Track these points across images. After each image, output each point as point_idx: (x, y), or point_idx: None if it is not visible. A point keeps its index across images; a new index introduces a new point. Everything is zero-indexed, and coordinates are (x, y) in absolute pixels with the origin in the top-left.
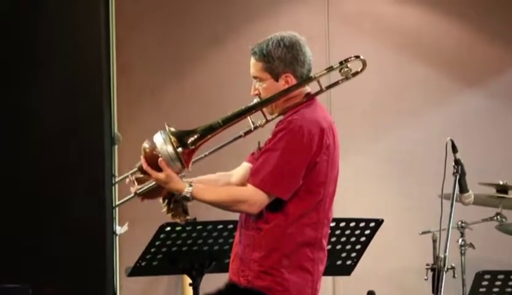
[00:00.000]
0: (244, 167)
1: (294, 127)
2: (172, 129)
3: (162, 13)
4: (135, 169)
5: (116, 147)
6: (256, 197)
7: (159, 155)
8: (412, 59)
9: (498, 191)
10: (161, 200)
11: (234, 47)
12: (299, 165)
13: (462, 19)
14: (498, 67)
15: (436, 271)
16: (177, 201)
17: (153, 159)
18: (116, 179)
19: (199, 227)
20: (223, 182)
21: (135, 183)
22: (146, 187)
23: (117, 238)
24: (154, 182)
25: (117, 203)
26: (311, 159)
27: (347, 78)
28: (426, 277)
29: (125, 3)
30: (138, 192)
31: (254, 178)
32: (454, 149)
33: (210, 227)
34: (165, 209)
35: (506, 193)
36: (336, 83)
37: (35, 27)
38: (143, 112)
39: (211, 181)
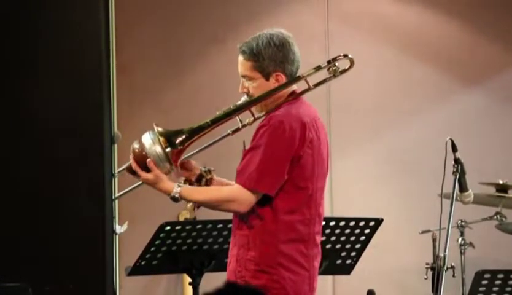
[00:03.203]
0: None
1: (275, 123)
2: (160, 129)
3: (162, 12)
4: (123, 167)
5: (116, 146)
6: (244, 196)
7: (148, 155)
8: (412, 59)
9: (497, 190)
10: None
11: (234, 47)
12: (283, 159)
13: (462, 19)
14: (498, 67)
15: (436, 271)
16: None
17: (141, 160)
18: (117, 195)
19: (198, 226)
20: None
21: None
22: (124, 191)
23: (117, 237)
24: (132, 186)
25: (117, 195)
26: (294, 153)
27: (334, 76)
28: (426, 276)
29: (125, 3)
30: (116, 196)
31: (240, 177)
32: (454, 148)
33: (210, 226)
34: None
35: (506, 192)
36: (323, 81)
37: (35, 27)
38: (143, 111)
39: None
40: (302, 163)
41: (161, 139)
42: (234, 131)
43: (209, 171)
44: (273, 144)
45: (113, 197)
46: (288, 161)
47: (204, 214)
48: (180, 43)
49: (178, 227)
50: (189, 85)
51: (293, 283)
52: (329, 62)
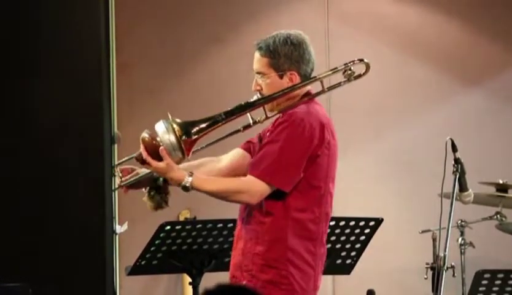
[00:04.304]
0: (234, 152)
1: (295, 120)
2: (177, 119)
3: (162, 12)
4: (129, 157)
5: (116, 146)
6: (256, 188)
7: (161, 144)
8: (412, 59)
9: (498, 190)
10: (143, 189)
11: (235, 46)
12: (300, 156)
13: (462, 19)
14: (498, 67)
15: (436, 270)
16: (158, 192)
17: (152, 148)
18: (122, 182)
19: (198, 226)
20: (210, 167)
21: (121, 174)
22: (131, 179)
23: (117, 237)
24: (139, 175)
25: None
26: (312, 152)
27: (349, 80)
28: (426, 276)
29: (125, 3)
30: (122, 183)
31: (255, 169)
32: (454, 148)
33: (210, 225)
34: (146, 199)
35: (506, 192)
36: (338, 85)
37: (35, 27)
38: (143, 111)
39: (193, 166)
40: (319, 162)
41: (176, 128)
42: (245, 128)
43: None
44: (292, 140)
45: (113, 198)
46: (305, 160)
47: (204, 214)
48: (180, 43)
49: (178, 227)
50: (189, 85)
51: (300, 279)
52: (346, 64)
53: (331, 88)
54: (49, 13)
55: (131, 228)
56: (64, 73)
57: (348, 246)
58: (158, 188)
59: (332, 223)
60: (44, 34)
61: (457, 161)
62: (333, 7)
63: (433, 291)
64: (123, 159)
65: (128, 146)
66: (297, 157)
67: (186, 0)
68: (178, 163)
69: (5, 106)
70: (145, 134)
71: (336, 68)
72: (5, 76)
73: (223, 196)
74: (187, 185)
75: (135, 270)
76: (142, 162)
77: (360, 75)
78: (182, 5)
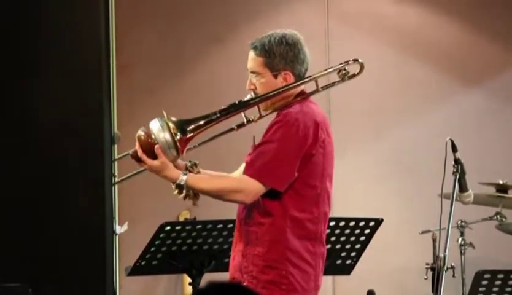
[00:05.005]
0: (242, 167)
1: (290, 119)
2: (172, 117)
3: (162, 12)
4: (125, 154)
5: (116, 146)
6: (251, 187)
7: (156, 142)
8: (412, 59)
9: (497, 190)
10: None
11: (234, 46)
12: (295, 156)
13: (462, 19)
14: (498, 67)
15: (436, 271)
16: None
17: (148, 146)
18: (117, 179)
19: (198, 227)
20: None
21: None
22: (126, 176)
23: (117, 237)
24: (134, 172)
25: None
26: (307, 151)
27: (343, 80)
28: (426, 276)
29: (125, 3)
30: (116, 180)
31: (250, 169)
32: (454, 149)
33: (209, 226)
34: (174, 187)
35: (506, 192)
36: (332, 84)
37: (35, 27)
38: (143, 111)
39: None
40: (314, 161)
41: (171, 126)
42: (239, 126)
43: (195, 165)
44: (286, 140)
45: (113, 198)
46: (299, 159)
47: (204, 215)
48: (180, 43)
49: (178, 227)
50: (189, 85)
51: (300, 279)
52: (341, 64)
53: (325, 87)
54: (49, 13)
55: (131, 228)
56: (64, 73)
57: (348, 246)
58: None
59: (332, 223)
60: (44, 34)
61: (457, 161)
62: (333, 7)
63: (433, 291)
64: (119, 156)
65: (128, 146)
66: (291, 157)
67: (186, 0)
68: (173, 161)
69: (5, 106)
70: (140, 132)
71: (331, 68)
72: (5, 76)
73: (217, 195)
74: (182, 183)
75: (135, 270)
76: (137, 160)
77: (354, 75)
78: (182, 5)
